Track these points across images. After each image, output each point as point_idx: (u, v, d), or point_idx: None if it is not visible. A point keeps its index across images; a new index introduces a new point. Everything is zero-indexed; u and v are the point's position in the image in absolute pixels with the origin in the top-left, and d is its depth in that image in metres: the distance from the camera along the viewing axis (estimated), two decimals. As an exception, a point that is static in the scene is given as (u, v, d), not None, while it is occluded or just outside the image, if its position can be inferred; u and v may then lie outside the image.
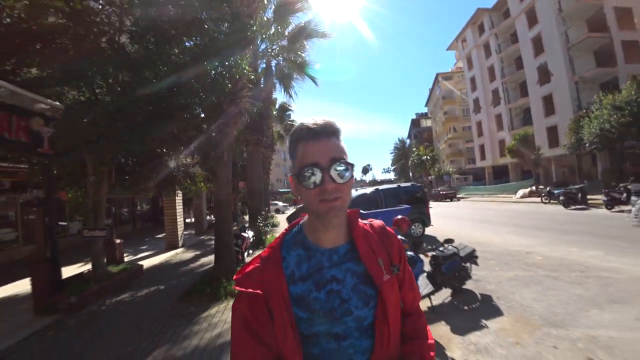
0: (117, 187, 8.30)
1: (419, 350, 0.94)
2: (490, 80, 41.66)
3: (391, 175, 77.77)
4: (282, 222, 20.76)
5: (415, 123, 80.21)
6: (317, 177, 0.81)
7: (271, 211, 25.94)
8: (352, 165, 0.85)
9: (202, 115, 6.82)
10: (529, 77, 33.94)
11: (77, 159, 6.21)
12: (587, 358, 3.22)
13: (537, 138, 31.04)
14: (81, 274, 6.99)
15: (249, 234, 9.88)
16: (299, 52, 12.97)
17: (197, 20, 5.80)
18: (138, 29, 5.51)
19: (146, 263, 9.44)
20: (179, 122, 6.04)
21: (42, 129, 5.27)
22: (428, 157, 53.05)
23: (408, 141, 70.31)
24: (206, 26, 5.87)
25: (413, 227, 10.76)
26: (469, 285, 5.46)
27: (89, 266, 7.54)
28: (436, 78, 60.37)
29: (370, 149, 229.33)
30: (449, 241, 5.37)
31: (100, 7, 5.16)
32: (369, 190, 10.93)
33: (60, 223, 13.47)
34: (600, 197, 15.49)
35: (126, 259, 9.37)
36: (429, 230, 11.52)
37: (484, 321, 4.23)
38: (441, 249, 5.27)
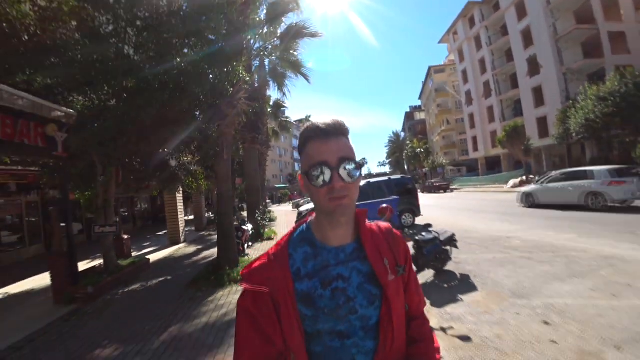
0: (122, 186, 8.81)
1: (426, 352, 0.95)
2: (481, 72, 42.18)
3: (387, 169, 78.18)
4: (279, 217, 21.34)
5: (409, 116, 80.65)
6: (326, 175, 0.83)
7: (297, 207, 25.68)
8: (360, 165, 0.88)
9: (203, 117, 7.33)
10: (519, 69, 34.49)
11: (87, 161, 6.72)
12: (542, 321, 3.79)
13: (527, 129, 31.67)
14: (93, 267, 7.53)
15: (248, 226, 10.48)
16: (292, 51, 13.40)
17: (196, 29, 6.29)
18: (141, 39, 5.99)
19: (152, 257, 9.93)
20: (181, 125, 6.55)
21: (56, 134, 5.75)
22: (422, 150, 53.66)
23: (403, 134, 70.56)
24: (205, 34, 6.38)
25: (404, 217, 11.35)
26: (450, 266, 6.03)
27: (95, 263, 8.08)
28: (429, 71, 60.73)
29: (366, 142, 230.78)
30: (428, 226, 5.94)
31: (107, 20, 5.62)
32: (361, 183, 11.46)
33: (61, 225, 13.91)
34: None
35: (132, 254, 9.88)
36: (418, 220, 12.08)
37: (460, 296, 4.79)
38: (423, 233, 5.82)
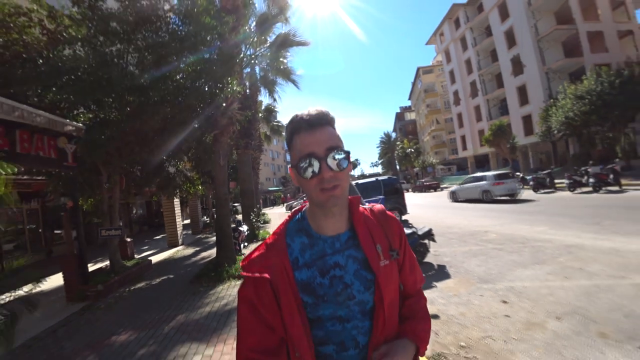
0: (125, 192, 9.34)
1: (410, 329, 0.96)
2: (467, 72, 43.10)
3: (379, 169, 78.88)
4: (272, 220, 21.87)
5: (399, 116, 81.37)
6: (315, 166, 0.83)
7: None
8: (348, 153, 0.87)
9: (200, 127, 7.90)
10: (504, 69, 35.37)
11: (93, 170, 7.26)
12: (501, 300, 4.42)
13: (513, 127, 32.69)
14: (101, 268, 8.06)
15: (244, 228, 11.09)
16: (282, 59, 13.96)
17: (191, 44, 6.86)
18: (142, 57, 6.56)
19: (153, 259, 10.40)
20: (180, 135, 7.12)
21: (66, 146, 6.31)
22: (412, 150, 54.48)
23: (394, 135, 71.15)
24: (200, 48, 6.95)
25: (391, 215, 11.97)
26: (429, 258, 6.67)
27: (97, 266, 8.59)
28: (417, 72, 61.60)
29: (359, 143, 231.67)
30: (405, 222, 6.56)
31: (112, 42, 6.18)
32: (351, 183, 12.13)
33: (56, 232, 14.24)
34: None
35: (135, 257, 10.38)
36: (405, 218, 12.72)
37: (434, 283, 5.41)
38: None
